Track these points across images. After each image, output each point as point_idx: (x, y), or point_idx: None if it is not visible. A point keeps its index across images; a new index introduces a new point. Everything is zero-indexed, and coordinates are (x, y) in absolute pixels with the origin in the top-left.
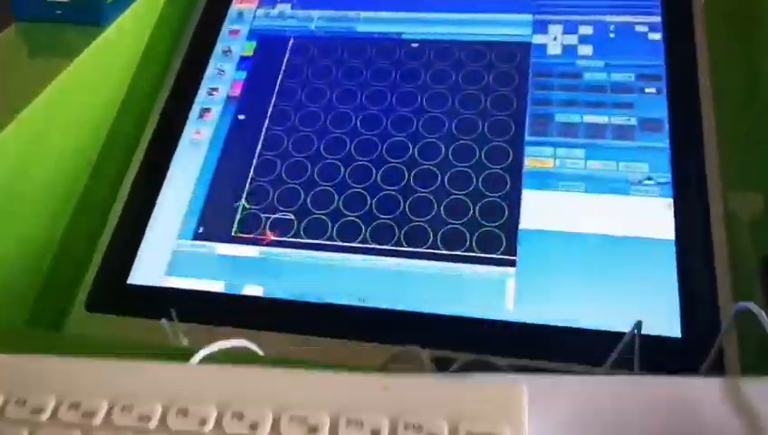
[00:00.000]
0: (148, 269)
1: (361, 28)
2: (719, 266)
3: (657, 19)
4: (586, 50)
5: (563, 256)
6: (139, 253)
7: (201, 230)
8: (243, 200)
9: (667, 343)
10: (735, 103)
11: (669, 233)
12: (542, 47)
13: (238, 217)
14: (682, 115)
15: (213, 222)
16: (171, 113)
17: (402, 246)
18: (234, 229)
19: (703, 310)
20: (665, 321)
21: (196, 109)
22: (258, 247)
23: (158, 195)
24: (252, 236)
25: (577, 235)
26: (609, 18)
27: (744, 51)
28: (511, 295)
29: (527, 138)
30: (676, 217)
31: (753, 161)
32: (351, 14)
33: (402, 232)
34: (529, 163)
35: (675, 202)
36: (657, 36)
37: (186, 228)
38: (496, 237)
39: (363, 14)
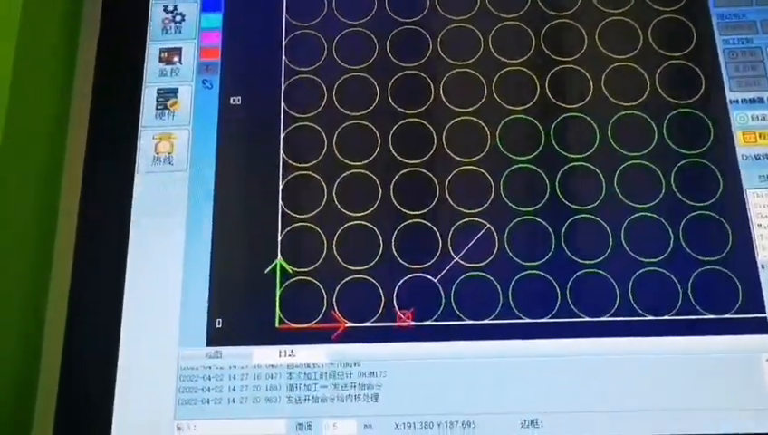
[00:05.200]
0: (142, 414)
1: None
2: None
3: None
4: None
5: None
6: (118, 386)
7: (219, 326)
8: (278, 259)
9: None
10: None
11: None
12: None
13: (278, 292)
14: None
15: (234, 309)
16: (104, 114)
17: (574, 315)
18: (276, 318)
19: None
20: None
21: (147, 94)
22: (326, 347)
23: (123, 275)
24: (309, 325)
25: None
26: None
27: None
28: None
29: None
30: None
31: None
32: None
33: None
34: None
35: None
36: None
37: (190, 329)
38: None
39: None
